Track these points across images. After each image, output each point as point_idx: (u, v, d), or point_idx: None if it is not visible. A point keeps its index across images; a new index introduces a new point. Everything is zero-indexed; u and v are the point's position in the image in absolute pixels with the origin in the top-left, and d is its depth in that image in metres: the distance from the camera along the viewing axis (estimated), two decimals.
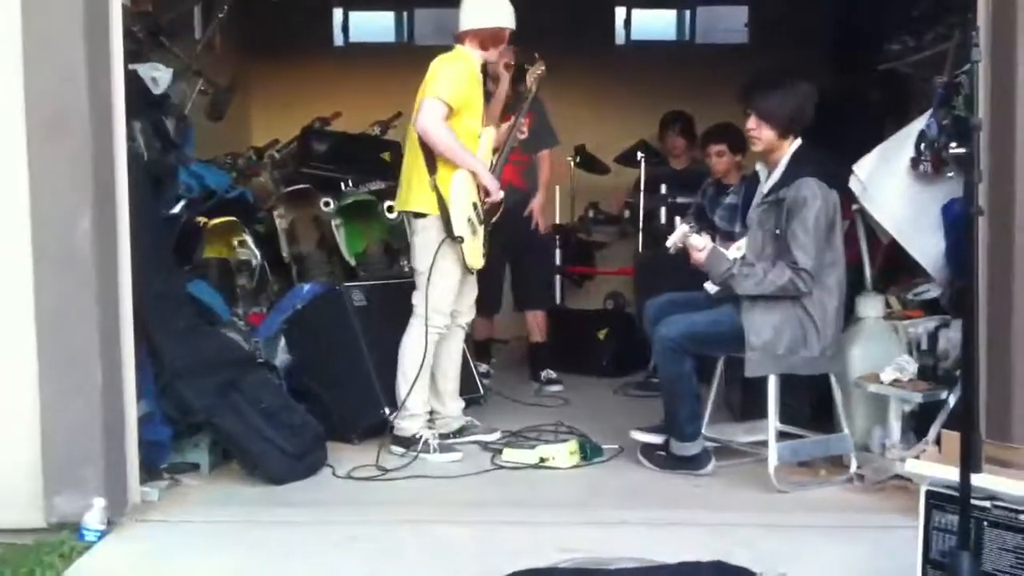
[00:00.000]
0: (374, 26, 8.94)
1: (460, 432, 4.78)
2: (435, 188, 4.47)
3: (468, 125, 4.57)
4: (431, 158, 4.49)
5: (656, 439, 4.43)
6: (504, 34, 4.64)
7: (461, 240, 4.47)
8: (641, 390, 5.89)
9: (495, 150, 4.80)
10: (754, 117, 4.23)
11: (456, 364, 4.84)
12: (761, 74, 4.38)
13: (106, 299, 3.70)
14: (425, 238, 4.54)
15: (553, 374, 6.21)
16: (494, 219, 4.72)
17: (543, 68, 5.02)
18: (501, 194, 4.64)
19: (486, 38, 4.61)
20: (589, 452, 4.54)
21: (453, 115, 4.46)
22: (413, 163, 4.58)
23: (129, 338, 3.82)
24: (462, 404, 4.91)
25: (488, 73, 5.67)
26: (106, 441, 3.67)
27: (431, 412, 4.73)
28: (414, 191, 4.57)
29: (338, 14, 8.81)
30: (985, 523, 2.73)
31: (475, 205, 4.57)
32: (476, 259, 4.61)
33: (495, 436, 4.80)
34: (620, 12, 8.75)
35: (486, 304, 5.66)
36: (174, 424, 4.16)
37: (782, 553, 3.38)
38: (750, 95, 4.25)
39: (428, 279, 4.52)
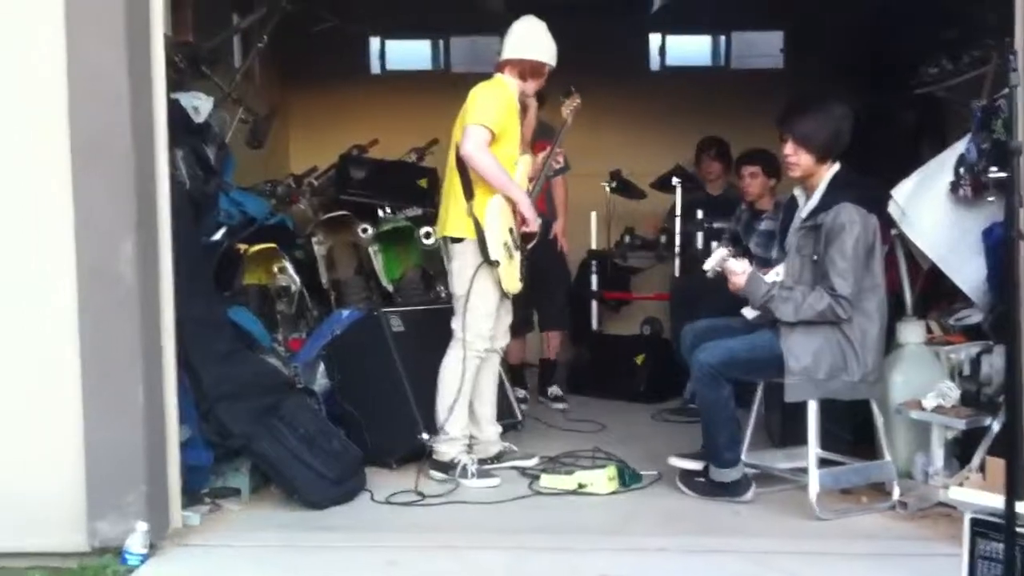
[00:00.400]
0: (410, 54, 9.01)
1: (498, 458, 4.78)
2: (471, 214, 4.50)
3: (507, 152, 4.59)
4: (468, 184, 4.52)
5: (695, 465, 4.41)
6: (544, 69, 4.70)
7: (497, 264, 4.49)
8: (678, 415, 5.88)
9: (530, 179, 4.84)
10: (791, 143, 4.21)
11: (493, 389, 4.86)
12: (798, 99, 4.37)
13: (148, 323, 3.74)
14: (462, 263, 4.56)
15: (559, 391, 6.38)
16: (530, 245, 4.75)
17: (579, 100, 5.09)
18: (539, 222, 4.68)
19: (526, 70, 4.66)
20: (628, 478, 4.52)
21: (494, 142, 4.49)
22: (451, 189, 4.62)
23: (171, 363, 3.85)
24: (499, 429, 4.92)
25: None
26: (149, 465, 3.70)
27: (469, 437, 4.73)
28: (451, 216, 4.60)
29: (375, 43, 8.89)
30: None
31: (511, 231, 4.60)
32: (513, 283, 4.63)
33: (534, 461, 4.80)
34: (655, 38, 8.77)
35: (517, 325, 5.70)
36: (215, 448, 4.19)
37: None
38: (787, 120, 4.24)
39: (466, 303, 4.54)
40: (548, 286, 6.24)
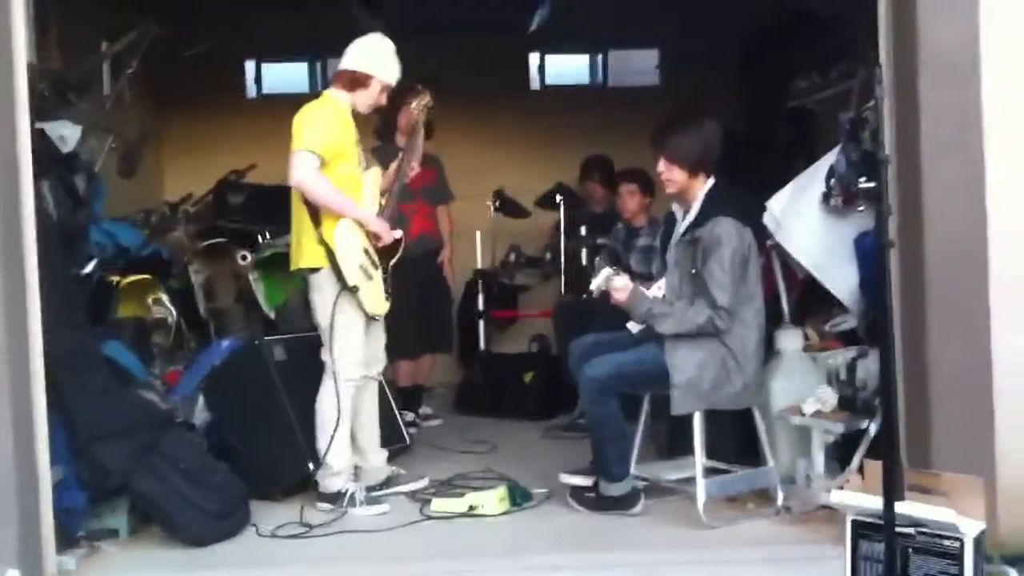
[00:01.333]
0: (287, 77, 8.89)
1: (386, 484, 4.70)
2: (322, 242, 4.39)
3: (345, 171, 4.47)
4: (314, 212, 4.41)
5: (585, 481, 4.42)
6: (371, 83, 4.54)
7: (356, 289, 4.39)
8: (569, 431, 5.89)
9: (383, 192, 4.70)
10: (664, 160, 4.29)
11: (372, 416, 4.74)
12: (667, 117, 4.43)
13: (16, 362, 3.58)
14: (322, 293, 4.46)
15: (428, 410, 6.48)
16: (394, 260, 4.64)
17: (428, 98, 4.95)
18: (394, 234, 4.58)
19: (352, 81, 4.54)
20: (519, 497, 4.50)
21: (327, 164, 4.38)
22: (300, 220, 4.49)
23: (41, 402, 3.69)
24: (385, 454, 4.82)
25: (399, 127, 5.73)
26: (20, 510, 3.52)
27: (355, 468, 4.65)
28: (304, 248, 4.48)
29: (250, 66, 8.75)
30: (910, 550, 2.77)
31: (367, 251, 4.49)
32: (377, 305, 4.54)
33: (423, 484, 4.74)
34: (534, 58, 8.84)
35: (406, 348, 5.67)
36: (90, 489, 4.03)
37: None
38: (659, 138, 4.32)
39: (331, 333, 4.43)
40: (430, 309, 6.22)
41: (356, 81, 4.54)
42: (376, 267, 4.53)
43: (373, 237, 4.52)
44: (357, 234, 4.46)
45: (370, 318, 4.51)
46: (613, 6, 7.43)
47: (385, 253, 4.59)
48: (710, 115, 4.41)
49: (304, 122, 4.41)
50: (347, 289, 4.38)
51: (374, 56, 4.56)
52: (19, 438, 3.55)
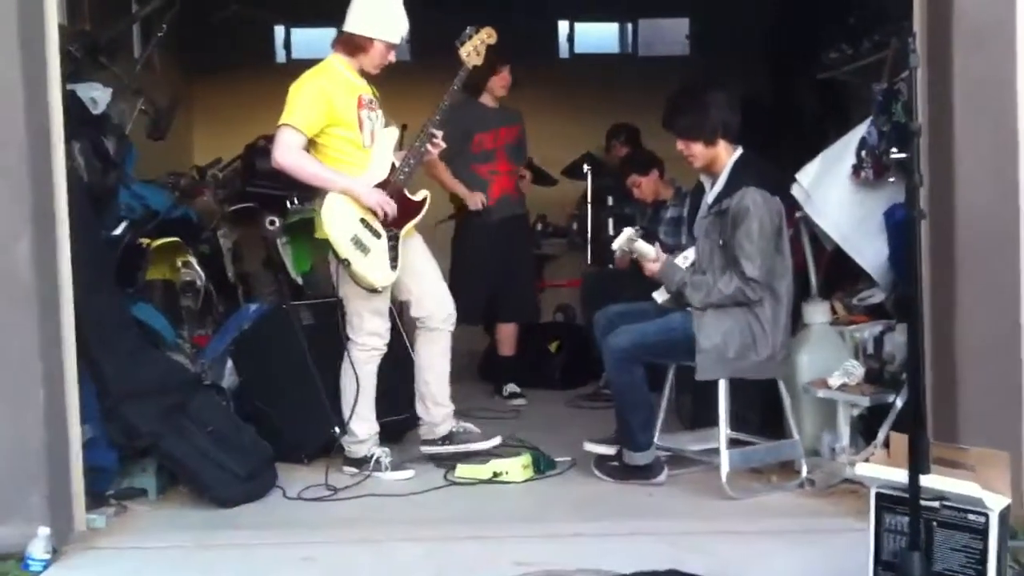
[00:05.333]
0: (317, 42, 8.85)
1: (449, 439, 4.60)
2: (319, 214, 4.36)
3: (343, 136, 4.36)
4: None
5: (609, 450, 4.43)
6: (372, 45, 4.37)
7: (347, 263, 4.30)
8: (593, 401, 5.91)
9: (406, 154, 4.51)
10: (679, 140, 4.30)
11: (437, 370, 4.62)
12: (674, 97, 4.41)
13: (47, 322, 3.63)
14: (333, 264, 4.42)
15: (517, 388, 6.18)
16: (412, 223, 4.49)
17: (487, 36, 4.61)
18: (391, 206, 4.35)
19: (351, 45, 4.41)
20: (543, 465, 4.53)
21: (321, 134, 4.33)
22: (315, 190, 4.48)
23: (72, 362, 3.74)
24: (450, 409, 4.68)
25: (488, 88, 5.77)
26: (50, 468, 3.59)
27: (418, 419, 4.63)
28: (316, 218, 4.45)
29: (280, 31, 8.75)
30: (935, 523, 2.76)
31: (363, 221, 4.35)
32: (377, 277, 4.37)
33: (495, 442, 4.57)
34: (563, 26, 8.79)
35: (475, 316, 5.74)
36: (120, 449, 4.08)
37: (735, 558, 3.40)
38: (668, 120, 4.34)
39: (348, 305, 4.44)
40: (509, 277, 6.07)
41: (355, 45, 4.40)
42: (378, 236, 4.37)
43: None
44: (349, 205, 4.33)
45: (373, 291, 4.40)
46: None
47: (400, 217, 4.41)
48: (714, 85, 4.41)
49: (292, 95, 4.34)
50: (340, 262, 4.33)
51: (374, 16, 4.38)
52: (50, 399, 3.61)
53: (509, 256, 6.07)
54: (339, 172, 4.37)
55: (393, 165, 4.46)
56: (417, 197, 4.52)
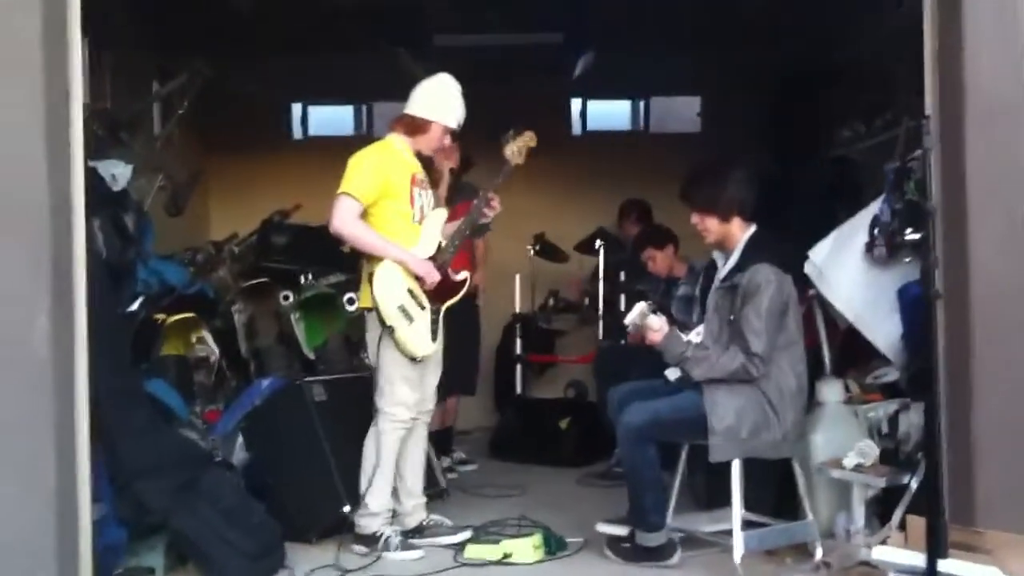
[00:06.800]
0: (333, 119, 9.01)
1: (421, 531, 4.64)
2: (369, 281, 4.46)
3: (396, 210, 4.51)
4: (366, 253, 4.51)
5: (621, 531, 4.39)
6: (431, 127, 4.59)
7: (392, 330, 4.40)
8: (605, 479, 5.85)
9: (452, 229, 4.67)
10: (694, 213, 4.34)
11: (416, 460, 4.70)
12: (692, 171, 4.47)
13: (62, 399, 3.62)
14: (371, 332, 4.52)
15: (462, 455, 6.38)
16: (452, 301, 4.63)
17: (529, 139, 4.77)
18: (437, 276, 4.51)
19: (411, 126, 4.61)
20: (553, 546, 4.48)
21: (375, 205, 4.46)
22: (361, 258, 4.59)
23: (85, 439, 3.72)
24: (422, 500, 4.75)
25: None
26: (60, 547, 3.55)
27: (392, 511, 4.62)
28: (362, 286, 4.58)
29: (297, 108, 8.89)
30: None
31: (411, 291, 4.49)
32: (419, 346, 4.49)
33: (464, 536, 4.63)
34: (576, 103, 8.90)
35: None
36: (129, 526, 4.06)
37: None
38: (686, 193, 4.38)
39: (379, 373, 4.48)
40: (458, 348, 6.15)
41: (416, 127, 4.61)
42: (422, 308, 4.51)
43: (420, 279, 4.51)
44: (399, 275, 4.47)
45: (412, 360, 4.49)
46: (656, 53, 7.47)
47: (441, 294, 4.57)
48: (733, 161, 4.45)
49: (352, 166, 4.49)
50: (385, 328, 4.42)
51: (434, 100, 4.61)
52: (62, 475, 3.58)
53: (458, 330, 6.04)
54: (393, 242, 4.49)
55: (439, 244, 4.62)
56: (458, 277, 4.66)
